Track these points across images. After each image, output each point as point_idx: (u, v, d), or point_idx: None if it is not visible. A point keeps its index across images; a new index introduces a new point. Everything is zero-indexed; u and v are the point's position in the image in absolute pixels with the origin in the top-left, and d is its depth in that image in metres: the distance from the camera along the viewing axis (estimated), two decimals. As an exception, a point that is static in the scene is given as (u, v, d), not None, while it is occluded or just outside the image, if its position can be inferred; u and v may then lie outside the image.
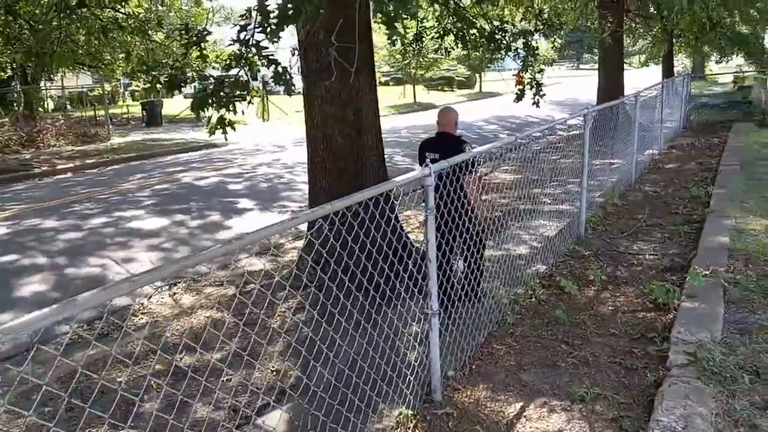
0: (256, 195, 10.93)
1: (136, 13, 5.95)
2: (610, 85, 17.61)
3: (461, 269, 4.62)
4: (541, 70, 5.94)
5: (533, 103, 6.11)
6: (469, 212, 4.28)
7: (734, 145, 11.16)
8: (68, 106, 27.92)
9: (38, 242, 8.23)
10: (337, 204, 2.39)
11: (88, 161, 15.62)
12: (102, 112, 22.42)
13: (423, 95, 34.78)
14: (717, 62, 40.68)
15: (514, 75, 6.05)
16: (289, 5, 3.32)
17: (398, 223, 3.06)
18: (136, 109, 26.95)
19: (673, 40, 15.60)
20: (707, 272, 4.69)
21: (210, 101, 3.92)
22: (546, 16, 6.22)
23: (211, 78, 4.10)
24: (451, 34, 5.91)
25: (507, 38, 5.91)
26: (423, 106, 30.79)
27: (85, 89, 20.38)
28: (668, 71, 31.84)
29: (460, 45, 5.92)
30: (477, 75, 41.79)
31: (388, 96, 29.89)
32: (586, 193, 6.23)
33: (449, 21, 5.98)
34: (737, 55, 25.72)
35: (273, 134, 19.95)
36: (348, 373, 3.20)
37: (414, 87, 32.78)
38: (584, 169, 5.97)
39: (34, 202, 10.72)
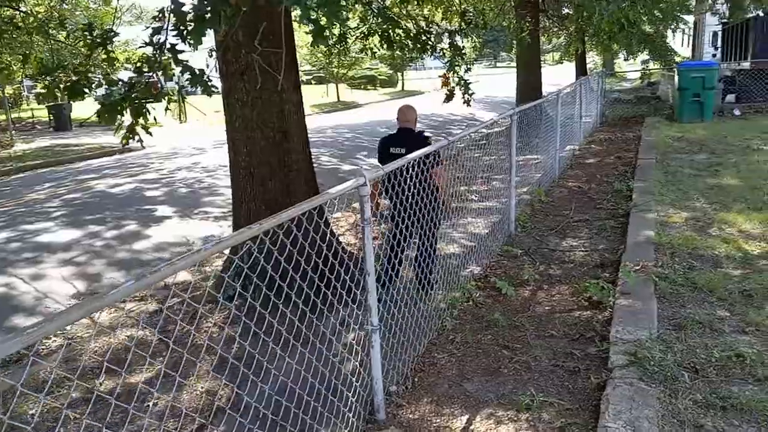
0: (175, 201, 10.42)
1: (35, 12, 5.45)
2: (529, 83, 18.12)
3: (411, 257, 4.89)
4: (468, 69, 5.91)
5: (464, 102, 6.07)
6: (435, 200, 4.55)
7: (648, 139, 11.64)
8: (-36, 111, 25.89)
9: (-69, 262, 7.49)
10: (267, 224, 2.18)
11: (-10, 170, 14.48)
12: (3, 117, 20.91)
13: (346, 94, 34.61)
14: (625, 59, 42.80)
15: (440, 76, 5.99)
16: (207, 7, 3.06)
17: (333, 237, 2.88)
18: (43, 113, 25.29)
19: (585, 38, 16.19)
20: (637, 267, 4.79)
21: (119, 107, 3.59)
22: (469, 15, 6.20)
23: (120, 82, 3.76)
24: (377, 35, 5.78)
25: (432, 39, 5.84)
26: (346, 105, 30.65)
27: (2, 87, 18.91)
28: (582, 68, 33.25)
29: (385, 46, 5.80)
30: (399, 74, 42.05)
31: (311, 95, 29.52)
32: (515, 191, 6.25)
33: (374, 21, 5.84)
34: (642, 53, 27.08)
35: (191, 136, 19.23)
36: (278, 398, 2.97)
37: (337, 86, 32.57)
38: (512, 168, 5.99)
39: (-74, 217, 9.78)
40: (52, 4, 9.86)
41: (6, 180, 13.66)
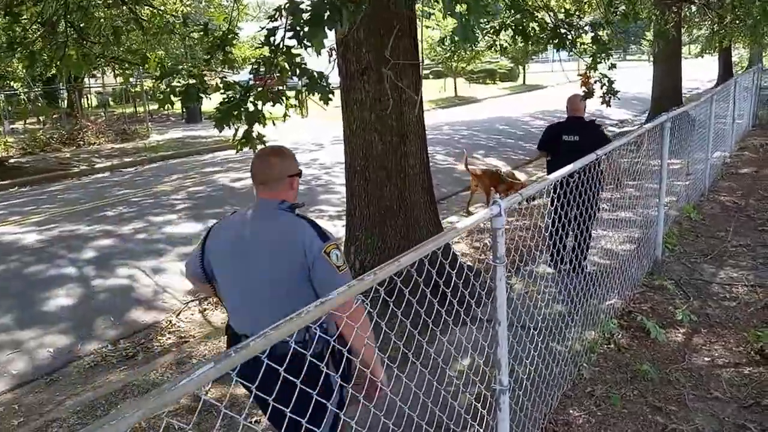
0: (292, 198, 10.42)
1: (159, 12, 5.48)
2: (668, 79, 16.59)
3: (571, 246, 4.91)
4: (612, 66, 5.21)
5: (603, 102, 5.38)
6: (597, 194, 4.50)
7: (815, 146, 10.15)
8: (111, 103, 28.09)
9: (67, 250, 7.90)
10: (382, 273, 1.78)
11: (126, 160, 15.43)
12: (142, 109, 22.37)
13: (464, 89, 33.90)
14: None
15: (579, 75, 5.35)
16: (326, 6, 2.71)
17: (460, 280, 2.40)
18: (177, 105, 26.86)
19: (724, 30, 14.53)
20: (825, 316, 3.94)
21: (235, 114, 3.36)
22: (616, 4, 5.49)
23: (237, 86, 3.53)
24: (510, 29, 5.25)
25: (573, 32, 5.20)
26: (464, 100, 30.00)
27: (125, 86, 20.35)
28: (726, 63, 30.30)
29: (519, 40, 5.23)
30: (520, 67, 40.62)
31: (427, 90, 29.02)
32: (663, 209, 5.45)
33: (507, 14, 5.30)
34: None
35: (311, 130, 19.49)
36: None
37: (455, 80, 31.93)
38: (662, 183, 5.21)
39: (68, 205, 10.46)
40: (184, 2, 10.16)
41: (140, 169, 14.48)
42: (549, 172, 5.21)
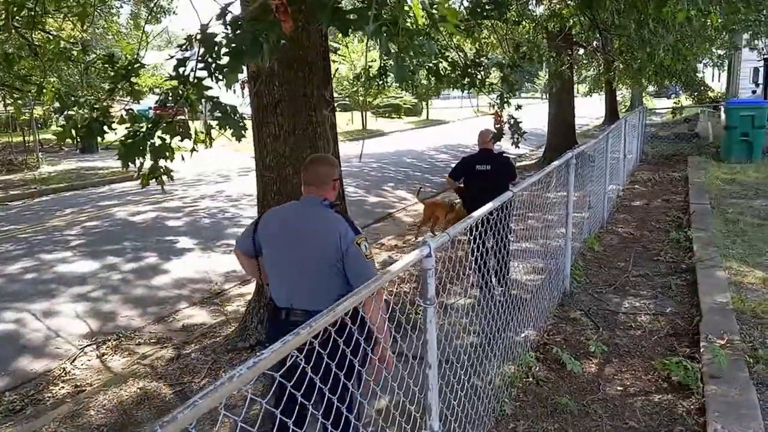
0: (197, 232, 10.02)
1: (53, 38, 5.13)
2: (561, 115, 17.64)
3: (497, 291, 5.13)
4: (519, 107, 5.43)
5: (513, 144, 5.59)
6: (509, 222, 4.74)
7: (697, 180, 11.00)
8: (-6, 130, 26.06)
9: (-58, 293, 7.13)
10: (318, 325, 1.67)
11: (13, 192, 14.30)
12: (31, 138, 20.91)
13: (371, 122, 34.38)
14: (656, 95, 42.12)
15: (492, 114, 5.52)
16: (246, 40, 2.60)
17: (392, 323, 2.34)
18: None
19: (613, 72, 15.76)
20: (721, 342, 4.18)
21: (141, 149, 3.15)
22: (523, 50, 5.75)
23: (143, 119, 3.32)
24: (424, 69, 5.35)
25: (482, 72, 5.38)
26: (372, 133, 30.36)
27: (12, 112, 18.90)
28: (611, 102, 32.70)
29: (432, 79, 5.35)
30: (423, 102, 41.81)
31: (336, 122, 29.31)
32: (570, 244, 5.69)
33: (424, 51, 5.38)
34: (674, 85, 26.49)
35: (217, 161, 18.95)
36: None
37: (362, 114, 32.33)
38: (568, 218, 5.44)
39: (-56, 242, 9.49)
40: (79, 28, 9.58)
41: (29, 203, 13.45)
42: (466, 199, 6.20)
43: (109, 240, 9.46)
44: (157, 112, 3.55)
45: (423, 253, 2.28)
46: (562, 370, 4.12)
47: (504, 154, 6.08)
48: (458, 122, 38.77)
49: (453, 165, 6.28)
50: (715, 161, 13.56)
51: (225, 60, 2.88)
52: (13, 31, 4.98)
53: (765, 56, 19.88)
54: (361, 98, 29.71)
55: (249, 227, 3.18)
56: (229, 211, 11.77)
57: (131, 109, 3.28)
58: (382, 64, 5.79)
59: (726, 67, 28.59)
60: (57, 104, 3.39)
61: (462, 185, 6.20)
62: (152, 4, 14.75)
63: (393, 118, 40.42)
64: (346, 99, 35.60)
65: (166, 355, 5.48)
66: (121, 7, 19.86)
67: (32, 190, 14.60)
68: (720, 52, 22.25)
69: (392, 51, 2.23)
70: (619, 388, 3.87)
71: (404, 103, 42.03)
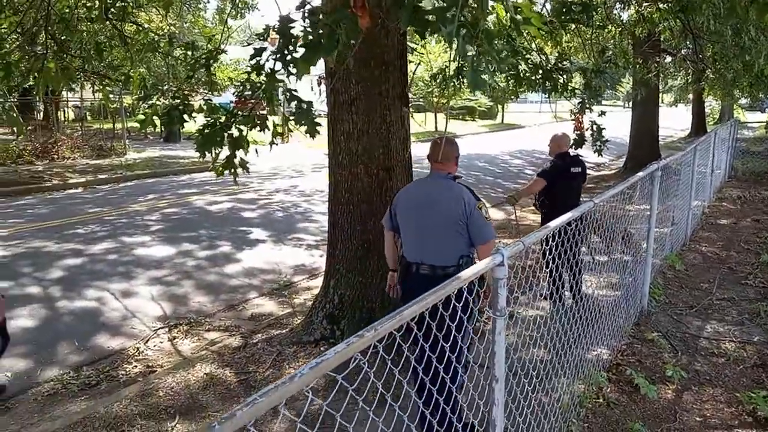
0: (270, 224, 10.24)
1: (144, 29, 5.35)
2: (645, 125, 16.93)
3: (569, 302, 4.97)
4: (602, 113, 5.20)
5: (595, 151, 5.37)
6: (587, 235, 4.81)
7: (791, 200, 10.30)
8: (88, 118, 27.62)
9: (33, 268, 7.59)
10: (383, 328, 1.62)
11: (101, 176, 15.09)
12: (120, 125, 22.02)
13: (444, 124, 34.18)
14: (749, 108, 39.81)
15: (572, 119, 5.32)
16: (323, 33, 2.59)
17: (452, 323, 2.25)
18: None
19: (703, 82, 14.92)
20: (816, 377, 3.87)
21: (218, 139, 3.21)
22: (608, 54, 5.52)
23: (222, 110, 3.39)
24: (504, 72, 5.23)
25: (565, 77, 5.19)
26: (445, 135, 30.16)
27: (102, 100, 19.99)
28: (699, 114, 31.15)
29: (512, 82, 5.21)
30: (499, 106, 41.18)
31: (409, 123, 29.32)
32: (651, 260, 5.40)
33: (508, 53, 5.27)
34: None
35: (292, 156, 19.34)
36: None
37: (435, 115, 32.21)
38: (650, 232, 5.17)
39: (38, 221, 10.11)
40: (167, 20, 9.95)
41: (115, 187, 14.16)
42: (553, 206, 5.80)
43: (186, 227, 9.80)
44: (237, 104, 3.63)
45: (495, 262, 2.19)
46: (635, 393, 3.90)
47: (580, 156, 6.07)
48: (535, 127, 37.96)
49: (527, 171, 6.20)
50: (813, 181, 12.67)
51: (301, 52, 2.88)
52: (106, 22, 5.22)
53: None
54: (435, 99, 29.57)
55: (388, 210, 3.82)
56: (301, 205, 11.97)
57: (210, 99, 3.35)
58: (458, 66, 5.67)
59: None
60: (141, 93, 3.51)
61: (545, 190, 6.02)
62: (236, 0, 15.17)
63: (467, 120, 40.06)
64: (420, 100, 35.56)
65: (234, 342, 5.60)
66: (209, 1, 20.61)
67: (118, 175, 15.37)
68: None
69: (469, 54, 2.16)
70: (698, 418, 3.63)
71: (479, 106, 41.56)
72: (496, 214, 10.91)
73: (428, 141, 27.89)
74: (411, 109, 4.88)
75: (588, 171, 5.99)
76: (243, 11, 17.88)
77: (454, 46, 2.14)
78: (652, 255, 5.55)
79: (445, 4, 2.24)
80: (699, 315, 5.47)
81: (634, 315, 5.25)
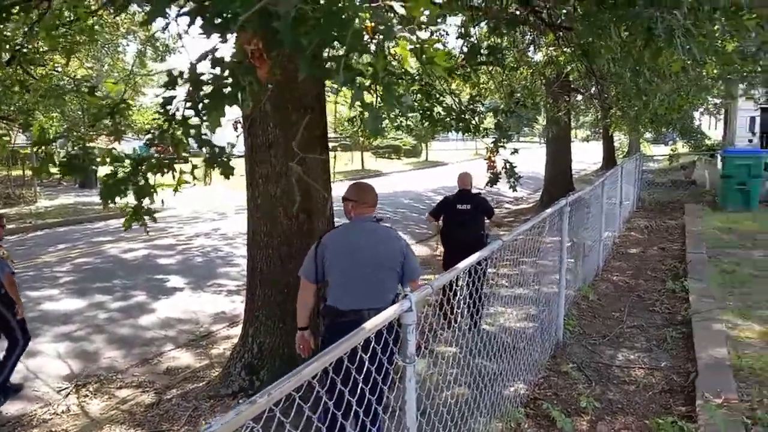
0: (189, 271, 9.89)
1: (49, 74, 5.14)
2: (559, 160, 17.73)
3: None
4: (515, 151, 5.39)
5: (510, 187, 5.53)
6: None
7: (693, 229, 10.91)
8: (-5, 163, 26.10)
9: None
10: (277, 390, 1.56)
11: (8, 227, 14.18)
12: (30, 172, 20.90)
13: (370, 162, 34.56)
14: (653, 141, 42.45)
15: (485, 159, 5.49)
16: (227, 80, 2.55)
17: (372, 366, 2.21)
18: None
19: (609, 119, 15.92)
20: (718, 401, 4.03)
21: (122, 188, 3.07)
22: (517, 96, 5.76)
23: (127, 158, 3.26)
24: (417, 113, 5.34)
25: (476, 118, 5.36)
26: (370, 173, 30.45)
27: (13, 146, 18.97)
28: (609, 148, 32.95)
29: (426, 123, 5.34)
30: (423, 144, 42.07)
31: (335, 162, 29.46)
32: (564, 292, 5.56)
33: (414, 98, 5.42)
34: (671, 132, 26.75)
35: (214, 199, 18.90)
36: None
37: (362, 154, 32.52)
38: (562, 266, 5.33)
39: (-70, 276, 9.34)
40: (85, 65, 9.63)
41: (23, 238, 13.36)
42: (445, 238, 6.64)
43: (98, 277, 9.32)
44: (160, 150, 3.50)
45: (403, 308, 2.17)
46: (552, 427, 3.95)
47: (480, 194, 6.54)
48: (457, 164, 38.94)
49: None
50: (711, 209, 13.51)
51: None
52: (8, 67, 4.99)
53: (761, 105, 20.05)
54: (361, 139, 29.91)
55: (310, 254, 3.66)
56: (222, 249, 11.66)
57: (113, 148, 3.23)
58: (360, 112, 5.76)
59: (722, 116, 28.87)
60: (36, 140, 3.34)
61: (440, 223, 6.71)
62: (157, 43, 14.94)
63: (392, 158, 40.62)
64: (347, 139, 35.87)
65: (147, 399, 5.31)
66: (128, 45, 20.17)
67: (27, 224, 14.52)
68: (716, 100, 22.50)
69: (367, 102, 2.17)
70: (611, 448, 3.71)
71: (404, 145, 42.28)
72: (420, 250, 11.00)
73: (355, 179, 27.98)
74: (333, 149, 4.88)
75: (506, 205, 6.13)
76: (164, 54, 17.57)
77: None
78: (566, 287, 5.71)
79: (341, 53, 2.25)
80: (611, 344, 5.64)
81: (550, 348, 5.36)
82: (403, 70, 2.44)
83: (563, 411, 4.14)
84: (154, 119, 3.46)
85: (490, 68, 8.72)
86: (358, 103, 2.19)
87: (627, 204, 12.80)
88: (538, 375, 4.81)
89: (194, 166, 3.56)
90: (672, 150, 32.84)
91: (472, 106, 5.42)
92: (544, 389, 4.61)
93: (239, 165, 5.01)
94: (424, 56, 2.44)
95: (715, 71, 7.19)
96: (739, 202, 13.25)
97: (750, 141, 21.84)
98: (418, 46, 2.33)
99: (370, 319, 3.10)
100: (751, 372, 4.66)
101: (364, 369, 2.18)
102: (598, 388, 4.63)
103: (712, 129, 34.75)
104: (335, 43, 2.23)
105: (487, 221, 6.51)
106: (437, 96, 5.49)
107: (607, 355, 5.33)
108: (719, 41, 4.64)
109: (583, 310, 6.60)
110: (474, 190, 6.51)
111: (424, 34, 2.29)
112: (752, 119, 22.11)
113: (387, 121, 2.23)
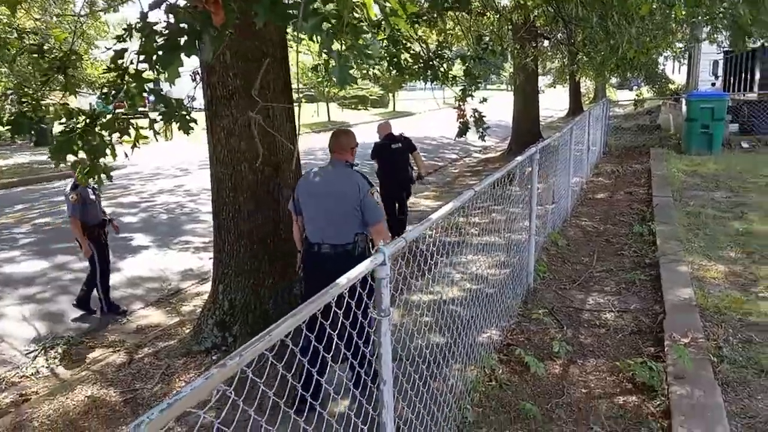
0: (153, 229, 9.69)
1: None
2: (526, 107, 17.70)
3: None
4: (483, 100, 5.29)
5: (479, 137, 5.45)
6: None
7: (658, 173, 11.04)
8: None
9: None
10: (248, 352, 1.48)
11: (-41, 188, 13.68)
12: (-20, 130, 20.08)
13: (337, 113, 34.09)
14: (619, 87, 42.70)
15: (455, 107, 5.37)
16: (184, 31, 2.38)
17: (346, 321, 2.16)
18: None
19: (577, 65, 15.88)
20: (686, 340, 4.12)
21: (74, 147, 2.90)
22: (485, 42, 5.61)
23: (81, 114, 3.07)
24: (384, 61, 5.17)
25: (444, 65, 5.22)
26: (337, 124, 30.06)
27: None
28: (575, 94, 33.02)
29: (393, 72, 5.18)
30: (390, 94, 41.58)
31: (301, 114, 28.88)
32: (534, 239, 5.57)
33: (382, 45, 5.24)
34: (636, 77, 26.91)
35: (177, 154, 18.44)
36: None
37: (328, 105, 32.00)
38: (532, 214, 5.32)
39: None
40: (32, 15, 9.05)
41: (-23, 199, 12.87)
42: (384, 176, 7.78)
43: (60, 238, 9.05)
44: (117, 106, 3.32)
45: (377, 261, 2.10)
46: (525, 372, 3.99)
47: (403, 135, 7.88)
48: (425, 114, 38.66)
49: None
50: (676, 153, 13.69)
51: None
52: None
53: (724, 49, 20.16)
54: (326, 89, 29.36)
55: (293, 194, 4.15)
56: (187, 206, 11.43)
57: (66, 103, 3.03)
58: (326, 60, 5.56)
59: (686, 60, 29.06)
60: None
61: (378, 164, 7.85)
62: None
63: (359, 109, 40.13)
64: (312, 90, 35.18)
65: (118, 359, 5.22)
66: (76, -6, 19.13)
67: (-20, 185, 14.00)
68: (681, 45, 22.59)
69: (334, 50, 2.04)
70: (583, 390, 3.76)
71: (371, 95, 41.74)
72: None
73: (322, 132, 27.55)
74: (298, 101, 4.71)
75: (474, 154, 6.08)
76: (117, 4, 16.65)
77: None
78: (536, 234, 5.73)
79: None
80: (581, 288, 5.72)
81: (522, 294, 5.41)
82: (366, 19, 2.29)
83: (536, 356, 4.19)
84: (106, 74, 3.25)
85: (456, 13, 8.52)
86: (324, 51, 2.06)
87: (595, 150, 12.88)
88: (511, 321, 4.86)
89: (153, 121, 3.38)
90: (637, 95, 33.14)
91: (440, 52, 5.28)
92: (516, 335, 4.65)
93: (201, 118, 4.84)
94: (387, 6, 2.31)
95: (683, 13, 7.12)
96: (703, 144, 13.44)
97: (713, 84, 22.04)
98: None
99: (333, 252, 3.82)
100: (716, 311, 4.78)
101: (338, 324, 2.14)
102: (570, 332, 4.70)
103: (676, 74, 35.03)
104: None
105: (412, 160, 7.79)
106: (404, 43, 5.32)
107: (577, 299, 5.40)
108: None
109: (552, 256, 6.65)
110: (398, 133, 7.86)
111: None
112: (715, 63, 22.24)
113: (355, 69, 2.12)
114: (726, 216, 7.84)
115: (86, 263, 7.92)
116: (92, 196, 6.21)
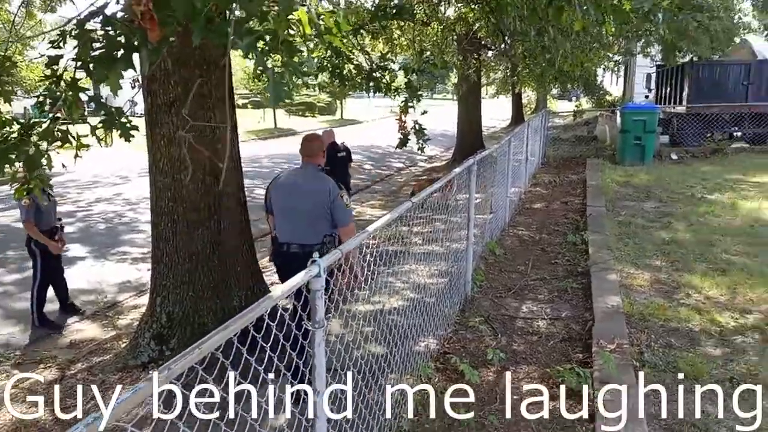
0: (90, 239, 9.42)
1: None
2: (469, 117, 18.11)
3: None
4: (424, 112, 5.41)
5: (419, 149, 5.57)
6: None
7: (593, 183, 11.47)
8: None
9: None
10: (177, 366, 1.51)
11: None
12: None
13: (284, 120, 33.86)
14: (559, 97, 44.01)
15: (396, 119, 5.48)
16: (121, 43, 2.36)
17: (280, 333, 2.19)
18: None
19: (518, 76, 16.37)
20: (612, 347, 4.31)
21: (11, 157, 2.82)
22: (427, 55, 5.73)
23: (15, 122, 2.99)
24: (327, 71, 5.23)
25: (387, 76, 5.31)
26: (284, 132, 29.86)
27: None
28: (518, 104, 33.90)
29: (336, 82, 5.23)
30: (338, 101, 41.59)
31: (246, 120, 28.57)
32: (472, 248, 5.72)
33: (325, 56, 5.30)
34: (575, 88, 27.88)
35: (116, 160, 17.87)
36: None
37: (274, 112, 31.72)
38: (470, 223, 5.47)
39: None
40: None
41: None
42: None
43: (-8, 247, 8.70)
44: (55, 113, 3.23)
45: (312, 273, 2.15)
46: (461, 379, 4.10)
47: (344, 144, 8.68)
48: (372, 122, 38.84)
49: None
50: (611, 164, 14.23)
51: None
52: None
53: (657, 63, 21.14)
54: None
55: (266, 194, 4.43)
56: (126, 215, 11.16)
57: None
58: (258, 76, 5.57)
59: (623, 73, 30.26)
60: None
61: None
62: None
63: (307, 116, 39.97)
64: (258, 96, 34.82)
65: (49, 376, 5.06)
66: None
67: None
68: (617, 58, 23.59)
69: (269, 68, 2.08)
70: (515, 397, 3.88)
71: (318, 102, 41.61)
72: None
73: (269, 138, 27.19)
74: (240, 106, 4.70)
75: (420, 163, 6.19)
76: (54, 4, 16.02)
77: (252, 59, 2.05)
78: (474, 243, 5.89)
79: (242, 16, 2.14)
80: (516, 296, 5.90)
81: (459, 302, 5.54)
82: (302, 36, 2.33)
83: (471, 364, 4.30)
84: (41, 80, 3.17)
85: (401, 23, 8.67)
86: (259, 69, 2.10)
87: (533, 160, 13.25)
88: (448, 329, 4.97)
89: (94, 127, 3.31)
90: (576, 106, 34.25)
91: (383, 64, 5.37)
92: (453, 343, 4.77)
93: (143, 124, 4.76)
94: (322, 24, 2.37)
95: (613, 30, 7.47)
96: (636, 156, 14.04)
97: (646, 97, 23.05)
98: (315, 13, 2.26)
99: (301, 251, 3.90)
100: (641, 318, 5.02)
101: (271, 336, 2.17)
102: (504, 339, 4.85)
103: (614, 85, 36.42)
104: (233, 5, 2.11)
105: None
106: (347, 53, 5.39)
107: (512, 307, 5.57)
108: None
109: (490, 265, 6.83)
110: (340, 142, 8.53)
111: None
112: (648, 76, 23.30)
113: (290, 87, 2.15)
114: (654, 225, 8.23)
115: (19, 275, 7.65)
116: (45, 202, 5.81)
